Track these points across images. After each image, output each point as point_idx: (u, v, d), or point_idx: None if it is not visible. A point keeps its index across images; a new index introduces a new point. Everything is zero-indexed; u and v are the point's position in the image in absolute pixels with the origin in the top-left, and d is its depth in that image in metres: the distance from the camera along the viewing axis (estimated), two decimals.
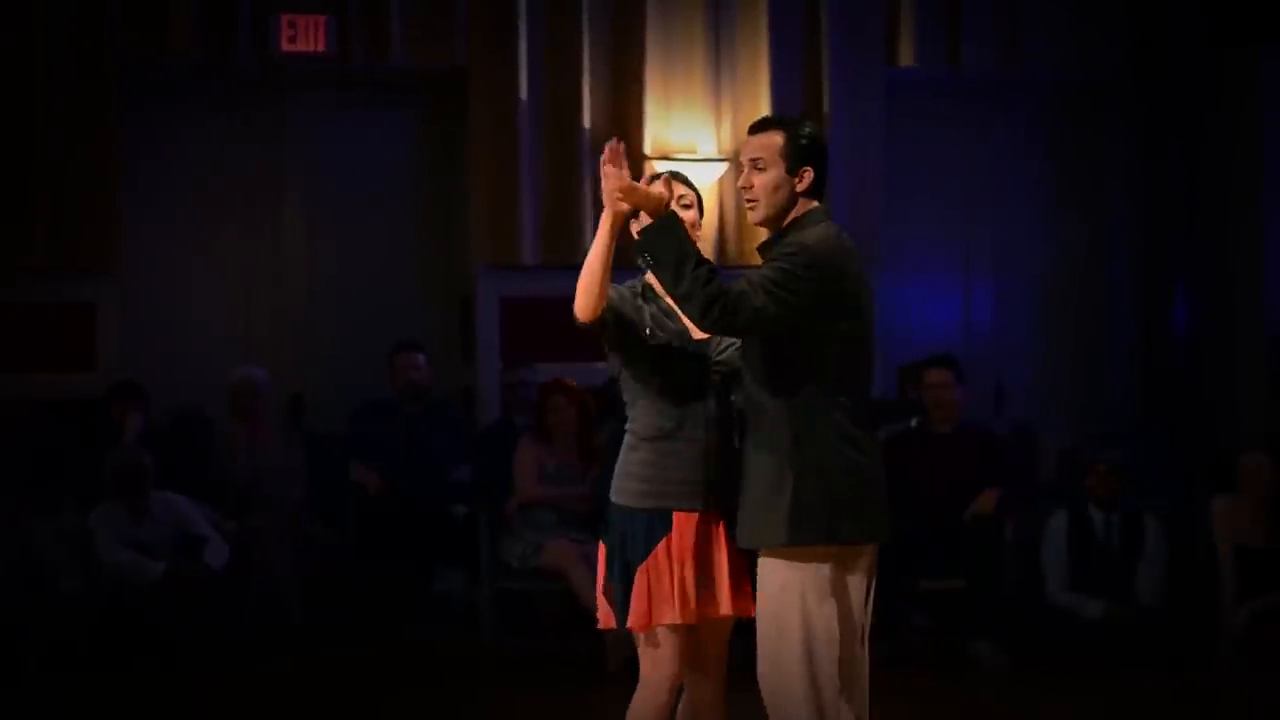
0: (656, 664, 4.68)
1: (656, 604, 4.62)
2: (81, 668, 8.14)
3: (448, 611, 9.25)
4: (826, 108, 10.28)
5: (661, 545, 4.63)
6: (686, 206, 4.72)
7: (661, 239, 4.43)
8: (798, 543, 4.47)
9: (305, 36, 9.80)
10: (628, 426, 4.73)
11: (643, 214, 4.51)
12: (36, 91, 9.51)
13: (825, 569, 4.49)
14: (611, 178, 4.45)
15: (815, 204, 4.62)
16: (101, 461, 8.59)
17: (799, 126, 4.61)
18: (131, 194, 9.86)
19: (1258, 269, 10.65)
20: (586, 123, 10.05)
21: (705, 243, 9.66)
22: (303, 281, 10.40)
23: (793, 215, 4.59)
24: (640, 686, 4.72)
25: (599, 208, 4.62)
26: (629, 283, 4.73)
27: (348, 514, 9.27)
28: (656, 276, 4.49)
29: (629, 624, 4.63)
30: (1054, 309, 11.21)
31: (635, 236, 4.50)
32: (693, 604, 4.62)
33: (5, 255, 9.52)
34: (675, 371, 4.66)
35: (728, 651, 4.83)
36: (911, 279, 10.81)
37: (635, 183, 4.46)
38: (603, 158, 4.48)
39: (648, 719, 4.69)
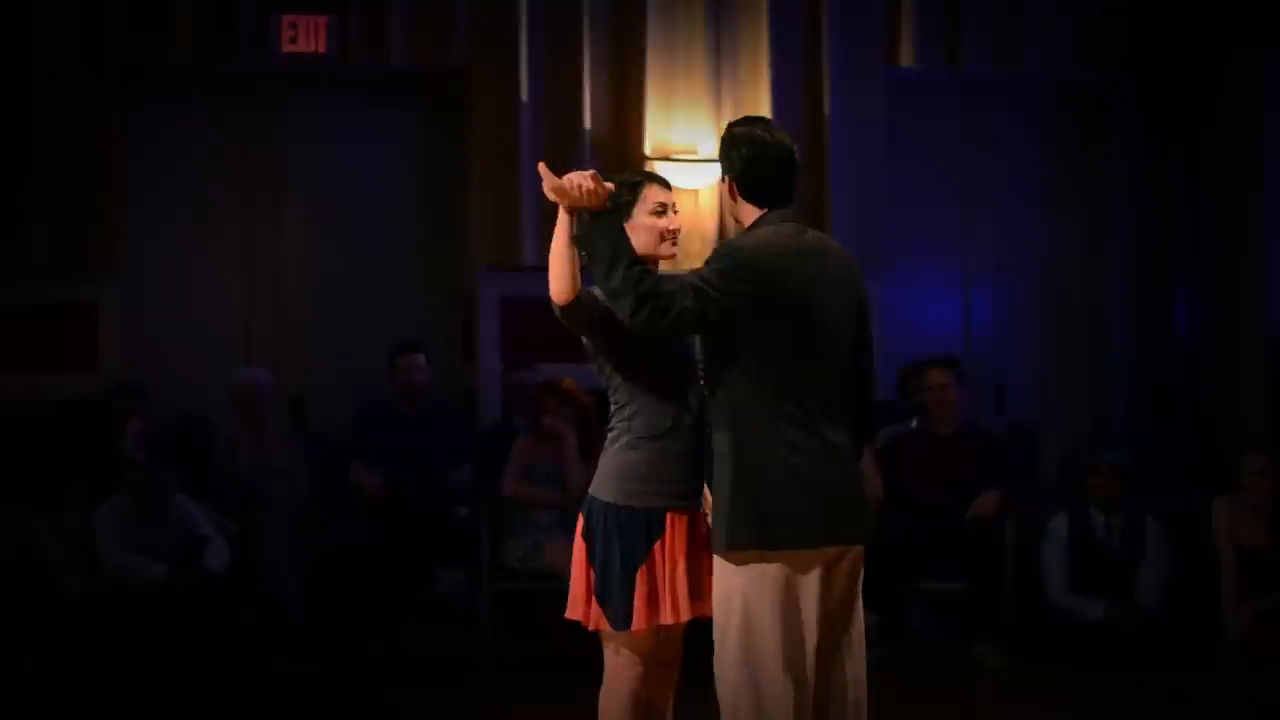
0: (629, 662, 4.69)
1: (654, 605, 4.61)
2: (82, 668, 8.15)
3: (448, 612, 9.25)
4: (826, 108, 10.28)
5: (658, 545, 4.63)
6: (659, 213, 4.71)
7: (597, 235, 4.47)
8: (733, 546, 4.46)
9: (306, 38, 9.80)
10: (621, 426, 4.70)
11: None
12: (38, 93, 9.52)
13: (767, 572, 4.44)
14: (544, 176, 4.51)
15: (759, 210, 4.60)
16: (102, 462, 8.60)
17: (724, 137, 4.64)
18: (133, 195, 9.88)
19: (1259, 270, 10.64)
20: (587, 123, 10.05)
21: (705, 243, 9.74)
22: (303, 282, 10.40)
23: (743, 222, 4.62)
24: (608, 683, 4.73)
25: None
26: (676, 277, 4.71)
27: (349, 515, 9.27)
28: (591, 271, 4.51)
29: (634, 626, 4.60)
30: (1054, 310, 11.20)
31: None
32: (686, 603, 4.62)
33: (6, 256, 9.53)
34: (671, 371, 4.67)
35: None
36: (912, 279, 10.80)
37: (560, 182, 4.49)
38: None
39: (621, 716, 4.70)
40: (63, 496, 8.77)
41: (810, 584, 4.47)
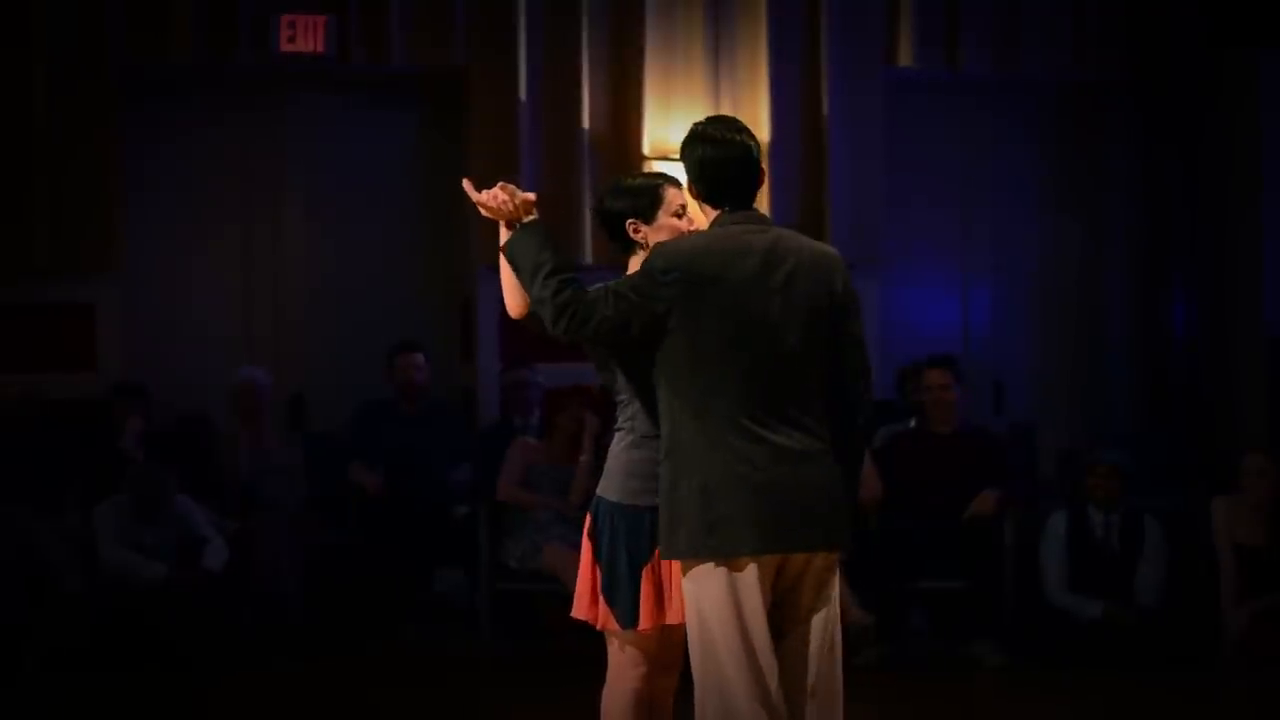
0: (633, 661, 4.68)
1: (660, 604, 4.61)
2: (82, 668, 8.15)
3: (447, 612, 9.26)
4: (825, 108, 10.26)
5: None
6: (679, 215, 4.72)
7: (520, 246, 4.50)
8: (673, 555, 4.44)
9: (305, 37, 9.81)
10: (626, 425, 4.69)
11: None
12: (37, 92, 9.52)
13: (711, 579, 4.38)
14: (468, 192, 4.59)
15: (716, 211, 4.56)
16: (102, 462, 8.60)
17: (684, 138, 4.62)
18: (132, 195, 9.88)
19: (1257, 270, 10.66)
20: (586, 123, 10.06)
21: None
22: (303, 281, 10.40)
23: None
24: (611, 683, 4.72)
25: None
26: (604, 284, 4.70)
27: (348, 514, 9.28)
28: (519, 281, 4.53)
29: (641, 625, 4.60)
30: (1053, 309, 11.21)
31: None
32: None
33: (6, 256, 9.53)
34: None
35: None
36: (910, 280, 10.81)
37: (482, 197, 4.57)
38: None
39: (623, 716, 4.70)
40: (63, 496, 8.77)
41: (754, 590, 4.38)
